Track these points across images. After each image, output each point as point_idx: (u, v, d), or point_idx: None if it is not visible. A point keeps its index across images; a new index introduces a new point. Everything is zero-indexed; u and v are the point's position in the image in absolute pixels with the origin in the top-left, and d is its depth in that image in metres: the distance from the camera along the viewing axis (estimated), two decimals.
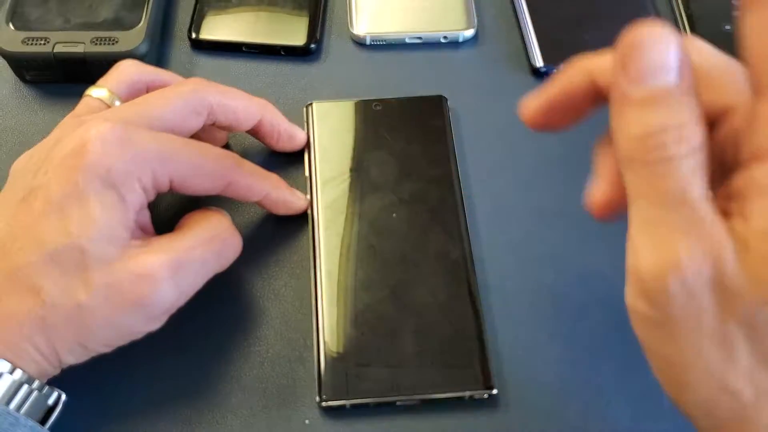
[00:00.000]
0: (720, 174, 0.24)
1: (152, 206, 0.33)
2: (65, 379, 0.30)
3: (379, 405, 0.31)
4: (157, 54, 0.43)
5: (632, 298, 0.23)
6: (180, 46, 0.44)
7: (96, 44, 0.40)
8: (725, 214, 0.22)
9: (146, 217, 0.33)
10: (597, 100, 0.27)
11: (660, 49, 0.23)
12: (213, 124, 0.35)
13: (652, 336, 0.24)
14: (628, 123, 0.22)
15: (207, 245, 0.32)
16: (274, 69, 0.43)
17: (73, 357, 0.30)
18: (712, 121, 0.25)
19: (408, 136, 0.38)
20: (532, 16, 0.44)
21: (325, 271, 0.34)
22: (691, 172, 0.22)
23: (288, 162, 0.39)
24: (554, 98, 0.28)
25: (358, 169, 0.37)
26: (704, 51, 0.26)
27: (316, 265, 0.35)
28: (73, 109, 0.34)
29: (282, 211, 0.36)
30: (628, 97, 0.22)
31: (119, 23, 0.41)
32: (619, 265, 0.34)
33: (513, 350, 0.33)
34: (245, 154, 0.39)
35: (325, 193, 0.37)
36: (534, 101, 0.28)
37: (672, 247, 0.21)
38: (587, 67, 0.27)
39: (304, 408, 0.32)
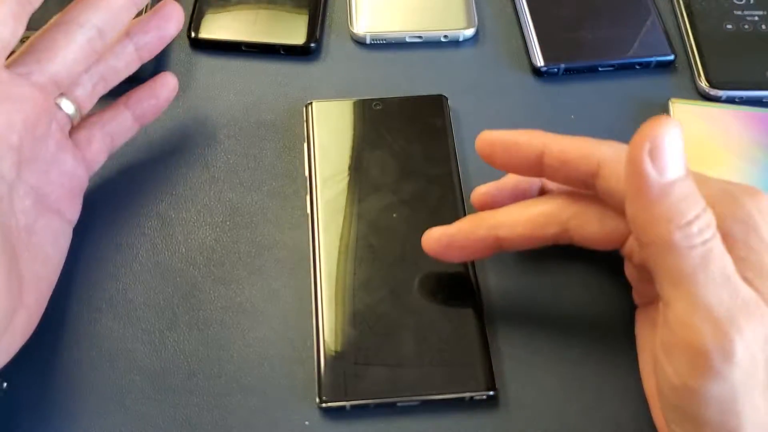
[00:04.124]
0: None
1: None
2: (66, 377, 0.30)
3: (379, 406, 0.31)
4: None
5: (695, 380, 0.25)
6: (179, 45, 0.44)
7: None
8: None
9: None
10: (495, 249, 0.32)
11: (678, 142, 0.25)
12: None
13: (714, 410, 0.25)
14: (665, 213, 0.25)
15: None
16: (273, 68, 0.43)
17: None
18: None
19: (408, 136, 0.38)
20: (532, 16, 0.44)
21: (325, 271, 0.34)
22: (723, 253, 0.25)
23: (288, 162, 0.39)
24: (456, 240, 0.32)
25: (358, 168, 0.37)
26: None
27: (316, 265, 0.34)
28: None
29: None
30: (660, 188, 0.25)
31: None
32: (619, 264, 0.34)
33: (513, 350, 0.33)
34: (237, 152, 0.39)
35: (324, 192, 0.37)
36: (437, 233, 0.32)
37: (734, 321, 0.24)
38: (491, 223, 0.31)
39: (304, 409, 0.32)
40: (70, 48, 0.31)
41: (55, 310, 0.34)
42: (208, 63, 0.43)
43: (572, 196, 0.31)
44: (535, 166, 0.30)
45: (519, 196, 0.33)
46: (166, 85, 0.38)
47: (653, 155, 0.24)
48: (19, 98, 0.30)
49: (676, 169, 0.25)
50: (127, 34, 0.35)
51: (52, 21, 0.32)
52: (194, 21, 0.44)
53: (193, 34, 0.43)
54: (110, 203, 0.37)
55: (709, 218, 0.25)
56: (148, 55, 0.36)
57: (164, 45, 0.37)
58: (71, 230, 0.34)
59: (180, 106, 0.41)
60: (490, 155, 0.32)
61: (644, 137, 0.24)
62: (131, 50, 0.35)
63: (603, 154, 0.29)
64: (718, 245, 0.25)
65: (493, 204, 0.33)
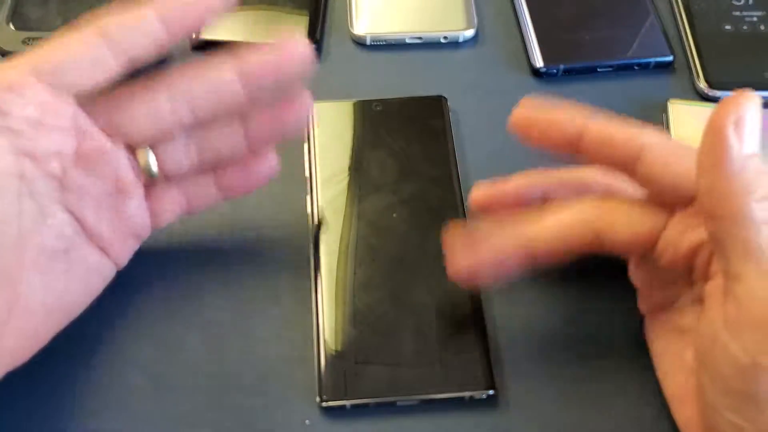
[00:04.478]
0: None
1: None
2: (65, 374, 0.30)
3: (379, 405, 0.31)
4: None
5: (761, 354, 0.24)
6: (179, 46, 0.44)
7: None
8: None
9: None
10: (527, 266, 0.30)
11: (758, 118, 0.25)
12: None
13: None
14: (743, 186, 0.25)
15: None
16: None
17: None
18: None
19: (408, 137, 0.38)
20: (532, 16, 0.44)
21: (325, 271, 0.34)
22: None
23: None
24: (486, 266, 0.31)
25: (358, 169, 0.37)
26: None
27: (316, 265, 0.35)
28: None
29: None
30: (742, 161, 0.25)
31: None
32: (619, 265, 0.34)
33: (513, 350, 0.33)
34: None
35: (325, 193, 0.37)
36: (464, 263, 0.31)
37: None
38: (522, 240, 0.30)
39: (304, 408, 0.32)
40: (144, 108, 0.30)
41: None
42: None
43: (600, 202, 0.30)
44: (573, 145, 0.30)
45: (520, 202, 0.33)
46: (265, 162, 0.33)
47: (737, 128, 0.25)
48: (70, 130, 0.29)
49: (755, 144, 0.25)
50: (244, 117, 0.32)
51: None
52: None
53: (193, 35, 0.43)
54: None
55: None
56: (259, 144, 0.33)
57: (278, 140, 0.33)
58: (112, 272, 0.32)
59: None
60: (527, 131, 0.31)
61: (730, 109, 0.25)
62: (239, 135, 0.32)
63: (647, 140, 0.29)
64: None
65: (492, 206, 0.33)
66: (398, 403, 0.31)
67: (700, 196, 0.27)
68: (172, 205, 0.33)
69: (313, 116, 0.37)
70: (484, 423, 0.32)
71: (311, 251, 0.35)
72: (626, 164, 0.29)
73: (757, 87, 0.41)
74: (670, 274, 0.30)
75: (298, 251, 0.36)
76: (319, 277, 0.34)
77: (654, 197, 0.30)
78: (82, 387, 0.32)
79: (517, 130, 0.31)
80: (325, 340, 0.32)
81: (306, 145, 0.39)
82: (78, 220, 0.30)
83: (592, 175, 0.33)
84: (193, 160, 0.32)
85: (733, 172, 0.25)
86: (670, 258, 0.29)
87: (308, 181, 0.37)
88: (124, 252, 0.33)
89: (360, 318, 0.33)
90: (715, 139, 0.25)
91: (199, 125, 0.32)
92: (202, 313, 0.34)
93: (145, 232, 0.33)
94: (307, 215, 0.36)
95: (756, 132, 0.25)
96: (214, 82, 0.31)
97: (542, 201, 0.33)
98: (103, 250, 0.31)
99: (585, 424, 0.32)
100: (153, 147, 0.32)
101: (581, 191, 0.32)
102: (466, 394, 0.31)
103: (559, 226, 0.30)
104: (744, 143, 0.25)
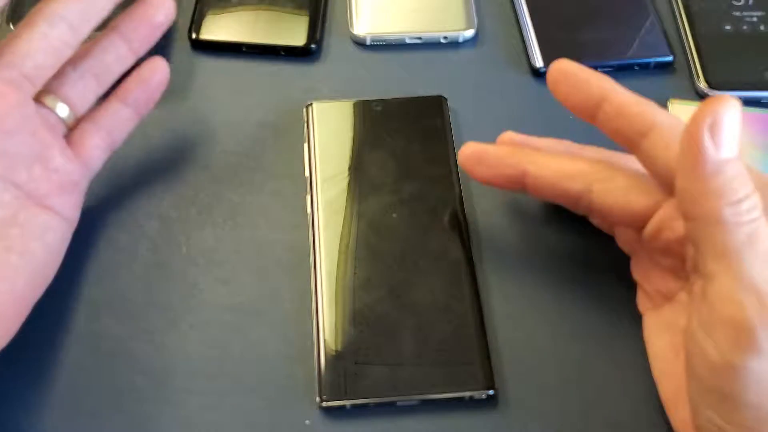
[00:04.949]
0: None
1: None
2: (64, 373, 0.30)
3: (379, 405, 0.31)
4: (157, 54, 0.43)
5: (738, 355, 0.25)
6: (180, 46, 0.44)
7: None
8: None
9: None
10: (518, 185, 0.33)
11: (737, 123, 0.26)
12: None
13: (754, 389, 0.25)
14: (717, 189, 0.25)
15: None
16: (274, 69, 0.43)
17: None
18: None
19: (408, 137, 0.38)
20: (532, 17, 0.44)
21: (325, 271, 0.34)
22: None
23: (288, 162, 0.39)
24: (486, 158, 0.33)
25: (358, 168, 0.37)
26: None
27: (316, 265, 0.35)
28: None
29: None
30: (716, 164, 0.25)
31: None
32: (619, 265, 0.34)
33: (513, 350, 0.33)
34: (235, 152, 0.39)
35: (325, 193, 0.37)
36: (473, 147, 0.34)
37: None
38: (524, 156, 0.33)
39: (304, 408, 0.32)
40: (36, 43, 0.31)
41: (55, 310, 0.34)
42: (208, 64, 0.43)
43: (605, 163, 0.32)
44: (593, 108, 0.31)
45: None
46: (155, 69, 0.36)
47: (713, 131, 0.25)
48: None
49: (731, 148, 0.25)
50: (114, 27, 0.35)
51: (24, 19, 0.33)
52: (195, 22, 0.44)
53: (194, 36, 0.43)
54: (110, 203, 0.37)
55: (756, 200, 0.25)
56: (141, 47, 0.36)
57: (156, 35, 0.36)
58: (67, 228, 0.33)
59: (181, 107, 0.41)
60: (557, 83, 0.32)
61: (706, 113, 0.25)
62: (120, 44, 0.35)
63: (658, 119, 0.29)
64: (763, 226, 0.25)
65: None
66: (398, 403, 0.31)
67: (677, 196, 0.27)
68: (95, 142, 0.35)
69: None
70: (484, 423, 0.32)
71: (311, 251, 0.35)
72: (634, 139, 0.30)
73: (757, 87, 0.41)
74: (668, 261, 0.31)
75: (298, 251, 0.36)
76: (319, 277, 0.34)
77: (655, 178, 0.30)
78: (82, 387, 0.32)
79: (551, 79, 0.32)
80: (325, 340, 0.32)
81: (306, 145, 0.39)
82: (13, 184, 0.31)
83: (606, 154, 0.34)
84: (95, 88, 0.35)
85: (707, 174, 0.25)
86: (664, 240, 0.30)
87: (308, 181, 0.37)
88: (69, 205, 0.34)
89: (360, 318, 0.33)
90: (690, 142, 0.25)
91: (88, 55, 0.35)
92: (202, 313, 0.34)
93: (81, 179, 0.34)
94: (307, 215, 0.36)
95: (734, 136, 0.25)
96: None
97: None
98: (46, 207, 0.32)
99: (585, 424, 0.32)
100: (56, 92, 0.34)
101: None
102: (466, 394, 0.31)
103: (558, 164, 0.32)
104: (721, 147, 0.25)
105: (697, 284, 0.27)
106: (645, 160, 0.30)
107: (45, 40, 0.31)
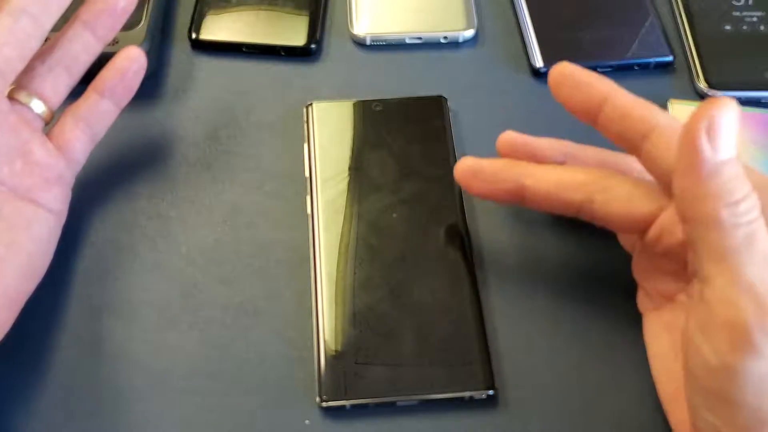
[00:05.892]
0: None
1: None
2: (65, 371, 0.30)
3: (379, 405, 0.31)
4: (157, 54, 0.43)
5: (734, 357, 0.25)
6: (180, 46, 0.44)
7: None
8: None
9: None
10: (517, 198, 0.33)
11: (735, 124, 0.25)
12: None
13: (751, 390, 0.25)
14: (714, 190, 0.25)
15: None
16: (274, 69, 0.43)
17: None
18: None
19: (408, 137, 0.38)
20: (532, 17, 0.44)
21: (325, 271, 0.34)
22: (766, 235, 0.25)
23: (288, 162, 0.39)
24: (482, 173, 0.33)
25: (358, 168, 0.37)
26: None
27: (316, 265, 0.35)
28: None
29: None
30: (713, 166, 0.25)
31: None
32: (619, 266, 0.34)
33: (513, 350, 0.33)
34: (234, 151, 0.39)
35: (325, 193, 0.37)
36: (469, 162, 0.33)
37: None
38: (521, 170, 0.32)
39: (304, 408, 0.32)
40: (2, 38, 0.31)
41: (55, 309, 0.34)
42: (208, 64, 0.43)
43: (604, 171, 0.31)
44: (594, 111, 0.31)
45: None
46: (130, 58, 0.36)
47: (710, 133, 0.25)
48: None
49: (729, 149, 0.25)
50: (77, 17, 0.35)
51: None
52: (195, 22, 0.44)
53: (194, 36, 0.43)
54: (110, 203, 0.37)
55: (754, 201, 0.25)
56: (107, 34, 0.35)
57: (120, 21, 0.35)
58: (55, 221, 0.34)
59: (181, 107, 0.41)
60: (558, 86, 0.32)
61: (703, 115, 0.25)
62: (85, 33, 0.35)
63: (660, 120, 0.29)
64: (761, 227, 0.25)
65: (506, 153, 0.34)
66: (398, 403, 0.31)
67: (675, 198, 0.27)
68: (75, 134, 0.35)
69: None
70: (483, 423, 0.32)
71: (311, 251, 0.35)
72: (635, 142, 0.30)
73: (757, 87, 0.41)
74: (669, 265, 0.31)
75: (298, 251, 0.36)
76: (319, 277, 0.34)
77: (657, 181, 0.30)
78: (82, 387, 0.32)
79: (553, 82, 0.32)
80: (325, 340, 0.32)
81: (306, 145, 0.39)
82: None
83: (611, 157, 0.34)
84: (66, 80, 0.35)
85: (704, 176, 0.25)
86: (666, 245, 0.30)
87: (308, 181, 0.37)
88: (55, 198, 0.34)
89: (360, 318, 0.33)
90: (687, 144, 0.25)
91: (55, 48, 0.34)
92: (202, 313, 0.34)
93: (65, 172, 0.34)
94: (307, 215, 0.36)
95: (732, 137, 0.25)
96: None
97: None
98: (31, 201, 0.32)
99: (585, 424, 0.32)
100: (28, 88, 0.34)
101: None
102: (466, 394, 0.31)
103: (557, 175, 0.32)
104: (718, 149, 0.25)
105: (696, 286, 0.27)
106: (646, 161, 0.30)
107: (11, 35, 0.31)
